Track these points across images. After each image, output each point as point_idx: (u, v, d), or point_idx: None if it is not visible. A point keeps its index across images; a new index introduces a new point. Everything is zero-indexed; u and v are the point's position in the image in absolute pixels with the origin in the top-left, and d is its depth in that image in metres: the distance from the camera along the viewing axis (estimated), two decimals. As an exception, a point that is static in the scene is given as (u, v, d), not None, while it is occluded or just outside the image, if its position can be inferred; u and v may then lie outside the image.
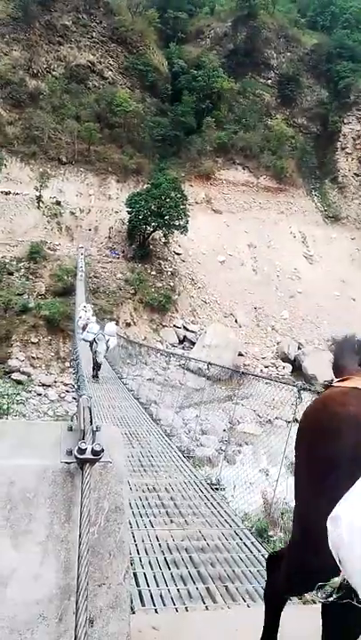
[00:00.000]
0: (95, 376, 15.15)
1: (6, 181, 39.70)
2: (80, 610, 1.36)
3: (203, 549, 3.66)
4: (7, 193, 40.06)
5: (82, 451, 1.66)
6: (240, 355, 33.67)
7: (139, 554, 3.48)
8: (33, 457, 1.75)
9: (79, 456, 1.66)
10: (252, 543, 3.95)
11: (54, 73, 47.11)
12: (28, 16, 45.74)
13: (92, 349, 15.13)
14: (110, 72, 49.15)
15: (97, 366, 15.03)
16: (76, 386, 16.11)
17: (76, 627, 1.35)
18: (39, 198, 40.48)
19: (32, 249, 35.28)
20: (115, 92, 46.45)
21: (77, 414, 2.03)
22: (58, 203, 41.31)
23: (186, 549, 3.63)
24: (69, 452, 1.69)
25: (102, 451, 1.69)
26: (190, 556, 3.50)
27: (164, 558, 3.45)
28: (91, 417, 1.92)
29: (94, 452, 1.66)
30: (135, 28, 49.58)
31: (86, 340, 15.27)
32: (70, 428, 1.90)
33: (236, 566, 3.54)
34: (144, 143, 46.89)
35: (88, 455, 1.66)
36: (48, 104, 45.00)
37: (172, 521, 4.13)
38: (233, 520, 4.34)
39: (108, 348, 14.97)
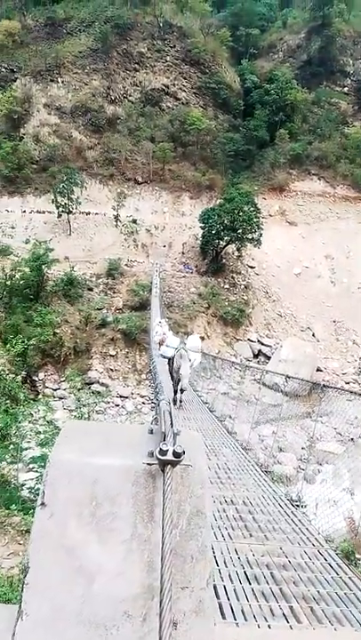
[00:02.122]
0: (178, 401, 12.38)
1: (86, 202, 41.97)
2: (164, 611, 1.35)
3: (284, 567, 3.50)
4: (87, 213, 42.34)
5: (163, 452, 1.67)
6: (318, 370, 32.41)
7: (218, 565, 3.40)
8: (116, 457, 1.78)
9: (161, 457, 1.66)
10: (337, 565, 3.70)
11: (130, 98, 49.42)
12: (107, 46, 48.65)
13: (171, 368, 12.50)
14: (184, 93, 50.56)
15: (181, 390, 12.28)
16: (154, 392, 15.60)
17: (160, 628, 1.34)
18: (117, 217, 42.31)
19: (110, 266, 36.80)
20: (188, 112, 47.67)
21: (158, 417, 2.05)
22: (134, 221, 42.88)
23: (267, 565, 3.49)
24: (151, 454, 1.70)
25: (183, 453, 1.68)
26: (271, 573, 3.35)
27: (244, 572, 3.33)
28: (171, 420, 1.93)
29: (175, 454, 1.65)
30: (207, 49, 50.74)
31: (165, 357, 12.76)
32: (151, 431, 1.93)
33: (322, 587, 3.33)
34: (217, 159, 47.46)
35: (169, 457, 1.66)
36: (125, 127, 47.22)
37: (250, 535, 3.99)
38: (316, 539, 4.10)
39: (191, 366, 12.33)
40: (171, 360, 12.36)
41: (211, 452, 7.50)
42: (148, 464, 1.74)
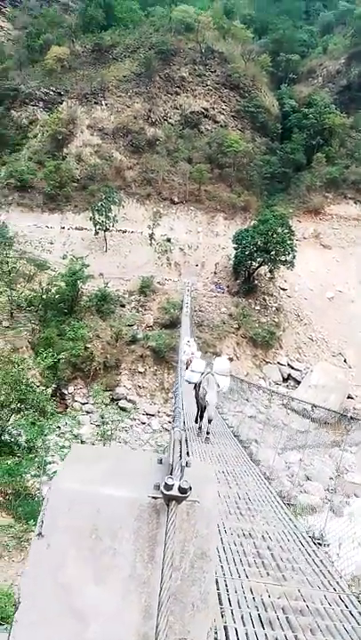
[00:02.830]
0: (205, 432, 10.93)
1: (123, 221, 42.83)
2: (158, 666, 1.24)
3: (302, 612, 3.26)
4: (123, 231, 43.17)
5: (168, 487, 1.57)
6: (350, 397, 31.44)
7: (231, 605, 3.19)
8: (122, 487, 1.69)
9: (165, 492, 1.57)
10: (359, 613, 3.42)
11: (170, 120, 50.56)
12: (150, 71, 50.20)
13: (197, 394, 11.25)
14: (222, 116, 51.35)
15: (209, 420, 10.83)
16: (172, 417, 15.07)
17: None
18: (151, 236, 42.94)
19: (143, 283, 37.20)
20: (226, 134, 48.30)
21: (168, 447, 1.95)
22: (168, 240, 43.39)
23: (283, 609, 3.25)
24: (157, 487, 1.61)
25: (190, 489, 1.58)
26: (287, 618, 3.12)
27: (258, 615, 3.11)
28: (181, 451, 1.83)
29: (181, 490, 1.56)
30: (248, 74, 51.59)
31: (190, 382, 11.66)
32: (160, 461, 1.83)
33: (340, 637, 3.07)
34: (253, 181, 47.69)
35: (174, 492, 1.56)
36: (163, 149, 48.22)
37: (268, 574, 3.75)
38: (338, 583, 3.82)
39: (219, 391, 11.04)
40: (197, 386, 11.21)
41: (232, 480, 7.25)
42: (153, 497, 1.64)
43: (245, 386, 16.31)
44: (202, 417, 11.20)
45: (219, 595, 3.30)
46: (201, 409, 11.24)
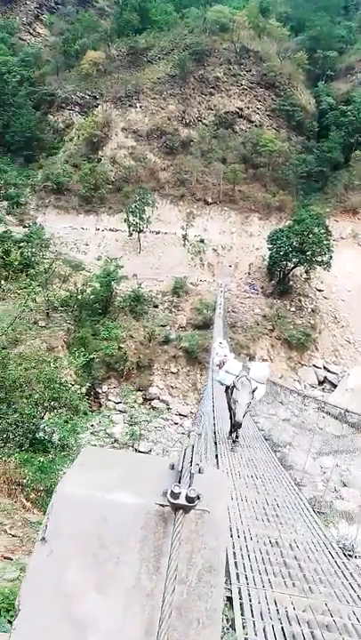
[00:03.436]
0: (234, 438, 10.36)
1: (157, 222, 43.05)
2: None
3: (328, 627, 3.09)
4: (157, 232, 43.40)
5: (175, 495, 1.50)
6: (388, 402, 30.36)
7: (253, 616, 3.06)
8: (130, 493, 1.63)
9: (172, 500, 1.49)
10: (391, 631, 3.24)
11: (205, 121, 50.47)
12: (184, 72, 50.26)
13: (229, 398, 10.43)
14: (257, 115, 50.81)
15: (236, 424, 10.05)
16: (193, 420, 14.68)
17: None
18: (185, 237, 42.95)
19: (176, 284, 37.26)
20: (261, 134, 47.76)
21: (180, 452, 1.87)
22: (202, 240, 43.28)
23: (308, 622, 3.09)
24: (165, 494, 1.54)
25: (198, 498, 1.50)
26: (312, 632, 2.95)
27: (281, 628, 2.96)
28: (192, 457, 1.75)
29: (188, 499, 1.48)
30: (283, 72, 50.83)
31: (223, 384, 10.70)
32: (173, 467, 1.76)
33: (369, 657, 2.91)
34: (288, 181, 46.92)
35: (181, 501, 1.49)
36: (197, 149, 48.17)
37: (293, 584, 3.59)
38: (368, 598, 3.65)
39: (253, 399, 10.11)
40: (229, 389, 10.24)
41: (260, 484, 7.08)
42: (160, 505, 1.57)
43: (278, 388, 15.96)
44: (234, 427, 10.27)
45: (241, 605, 3.18)
46: (232, 416, 10.23)
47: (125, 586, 1.50)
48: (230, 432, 10.59)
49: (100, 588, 1.50)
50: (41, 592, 1.48)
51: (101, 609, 1.47)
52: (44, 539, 1.57)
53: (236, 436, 10.27)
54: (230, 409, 10.33)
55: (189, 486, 1.54)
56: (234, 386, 9.86)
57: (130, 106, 50.81)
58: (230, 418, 10.52)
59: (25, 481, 7.48)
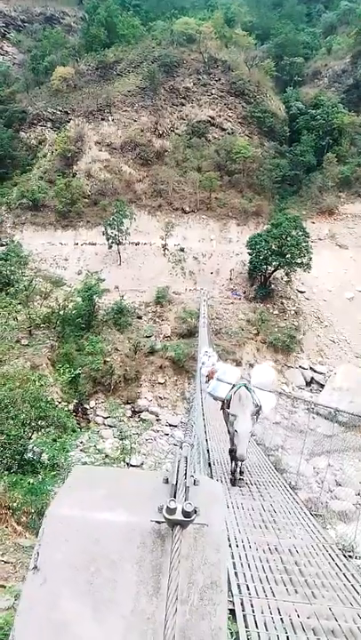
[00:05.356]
0: (238, 480, 7.76)
1: (135, 233, 43.04)
2: None
3: (333, 632, 3.03)
4: (136, 244, 43.37)
5: (171, 510, 1.43)
6: (376, 398, 30.63)
7: (257, 628, 2.98)
8: (123, 511, 1.55)
9: (168, 516, 1.42)
10: None
11: (177, 131, 50.90)
12: (155, 84, 50.75)
13: (226, 416, 7.98)
14: (229, 123, 51.46)
15: (238, 460, 7.54)
16: (183, 431, 14.17)
17: None
18: (165, 246, 43.01)
19: (158, 294, 37.19)
20: (234, 141, 48.33)
21: (173, 465, 1.80)
22: (182, 249, 43.39)
23: (313, 630, 3.02)
24: (160, 510, 1.46)
25: (195, 512, 1.44)
26: (318, 640, 2.92)
27: (287, 638, 2.90)
28: (186, 469, 1.69)
29: (185, 514, 1.41)
30: (252, 80, 51.68)
31: (215, 397, 8.18)
32: (166, 480, 1.68)
33: (376, 659, 2.86)
34: (263, 186, 47.51)
35: (178, 516, 1.42)
36: (172, 159, 48.50)
37: (296, 591, 3.52)
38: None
39: (256, 421, 7.89)
40: (226, 403, 7.79)
41: (255, 490, 6.99)
42: (156, 522, 1.50)
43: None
44: (234, 458, 7.67)
45: (244, 617, 3.10)
46: (232, 444, 7.65)
47: (123, 611, 1.43)
48: (232, 475, 7.99)
49: (97, 615, 1.42)
50: (36, 623, 1.40)
51: (99, 638, 1.39)
52: (35, 567, 1.49)
53: (241, 472, 7.90)
54: (230, 432, 7.73)
55: (185, 500, 1.48)
56: (231, 399, 7.56)
57: (102, 119, 50.97)
58: (231, 447, 7.88)
59: (15, 504, 7.28)
